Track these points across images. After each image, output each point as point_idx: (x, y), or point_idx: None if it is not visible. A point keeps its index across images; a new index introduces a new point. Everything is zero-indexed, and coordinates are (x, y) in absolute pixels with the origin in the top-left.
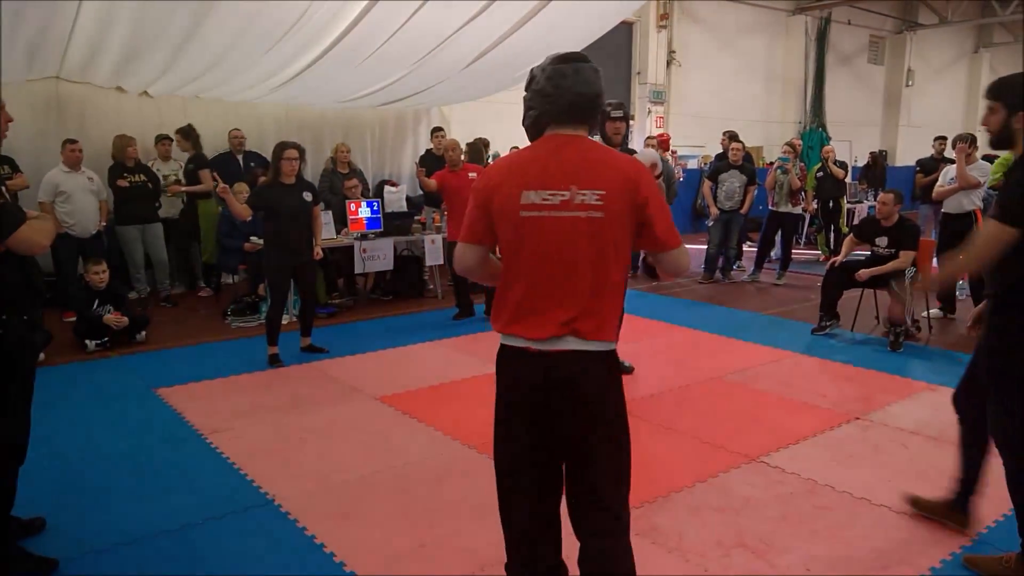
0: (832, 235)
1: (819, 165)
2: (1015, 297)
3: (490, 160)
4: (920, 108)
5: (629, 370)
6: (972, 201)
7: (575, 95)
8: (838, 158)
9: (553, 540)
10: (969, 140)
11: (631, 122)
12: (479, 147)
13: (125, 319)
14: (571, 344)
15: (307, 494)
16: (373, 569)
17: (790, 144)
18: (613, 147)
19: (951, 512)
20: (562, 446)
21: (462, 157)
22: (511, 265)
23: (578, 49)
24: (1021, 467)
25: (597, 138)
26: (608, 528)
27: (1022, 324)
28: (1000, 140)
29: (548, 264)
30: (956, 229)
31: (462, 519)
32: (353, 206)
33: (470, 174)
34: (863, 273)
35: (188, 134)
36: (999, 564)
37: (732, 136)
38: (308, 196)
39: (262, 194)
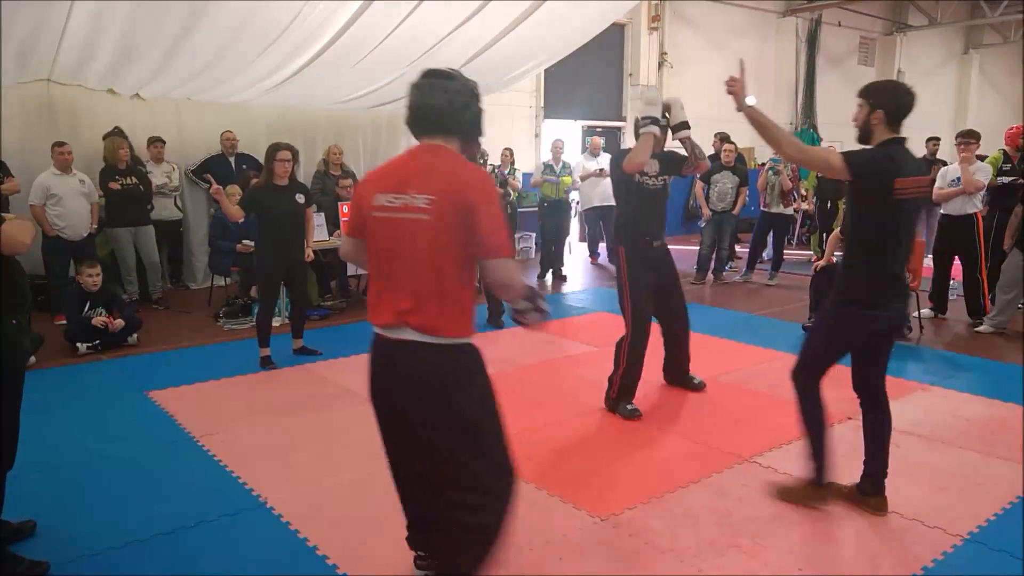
0: (825, 236)
1: None
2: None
3: (481, 163)
4: None
5: (700, 386)
6: (974, 204)
7: (424, 108)
8: None
9: (419, 498)
10: (975, 138)
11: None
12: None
13: (121, 321)
14: (408, 335)
15: (300, 497)
16: (366, 572)
17: None
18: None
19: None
20: (405, 429)
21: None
22: (371, 260)
23: (570, 51)
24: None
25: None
26: (451, 512)
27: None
28: (862, 134)
29: (391, 260)
30: (957, 232)
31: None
32: (346, 208)
33: None
34: None
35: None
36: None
37: (724, 137)
38: (301, 198)
39: (255, 196)
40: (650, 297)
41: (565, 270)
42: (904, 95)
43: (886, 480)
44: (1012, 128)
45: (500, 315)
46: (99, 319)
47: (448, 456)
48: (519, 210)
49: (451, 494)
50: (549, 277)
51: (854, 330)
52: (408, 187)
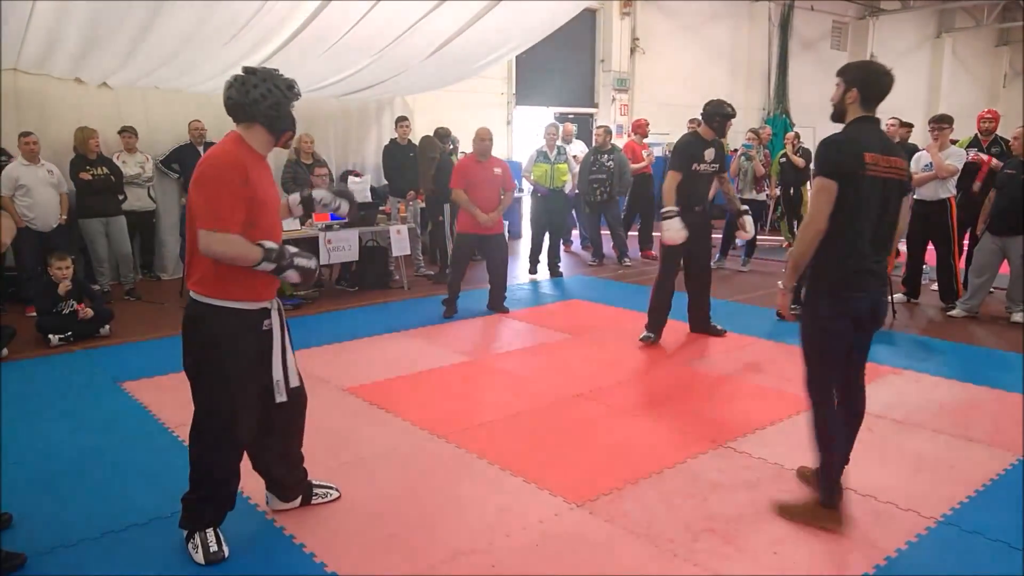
0: (795, 222)
1: (782, 152)
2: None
3: (451, 149)
4: None
5: (721, 332)
6: (947, 189)
7: (224, 99)
8: (803, 144)
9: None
10: (948, 123)
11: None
12: (443, 135)
13: (89, 311)
14: (192, 294)
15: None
16: (343, 561)
17: (754, 131)
18: (712, 133)
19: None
20: None
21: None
22: None
23: (541, 36)
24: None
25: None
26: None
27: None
28: (837, 113)
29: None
30: (930, 217)
31: (431, 509)
32: None
33: (495, 168)
34: None
35: None
36: (805, 510)
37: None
38: None
39: None
40: (679, 249)
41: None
42: (880, 75)
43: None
44: (983, 112)
45: (502, 300)
46: (77, 306)
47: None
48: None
49: None
50: (546, 272)
51: (838, 319)
52: None
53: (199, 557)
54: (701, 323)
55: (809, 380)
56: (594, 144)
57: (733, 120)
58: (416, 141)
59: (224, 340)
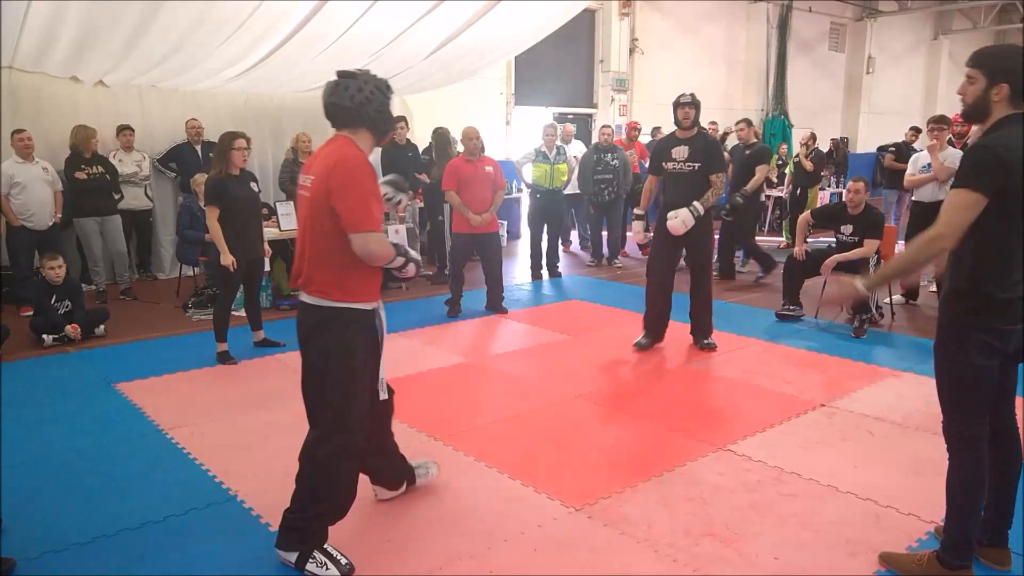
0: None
1: (796, 153)
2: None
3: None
4: (880, 95)
5: (707, 346)
6: (945, 190)
7: (327, 104)
8: (817, 147)
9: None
10: (947, 124)
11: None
12: (447, 137)
13: (79, 332)
14: (303, 297)
15: (271, 490)
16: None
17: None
18: (682, 131)
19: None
20: None
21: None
22: None
23: (540, 37)
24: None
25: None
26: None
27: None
28: (974, 111)
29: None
30: (929, 219)
31: (429, 513)
32: None
33: (486, 167)
34: (827, 265)
35: None
36: (913, 562)
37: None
38: (255, 186)
39: (222, 187)
40: (661, 253)
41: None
42: None
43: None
44: (956, 115)
45: (500, 301)
46: (70, 327)
47: (309, 396)
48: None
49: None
50: (545, 274)
51: (990, 357)
52: (309, 170)
53: (332, 573)
54: (693, 331)
55: (950, 424)
56: (597, 143)
57: (692, 109)
58: (415, 141)
59: (354, 341)
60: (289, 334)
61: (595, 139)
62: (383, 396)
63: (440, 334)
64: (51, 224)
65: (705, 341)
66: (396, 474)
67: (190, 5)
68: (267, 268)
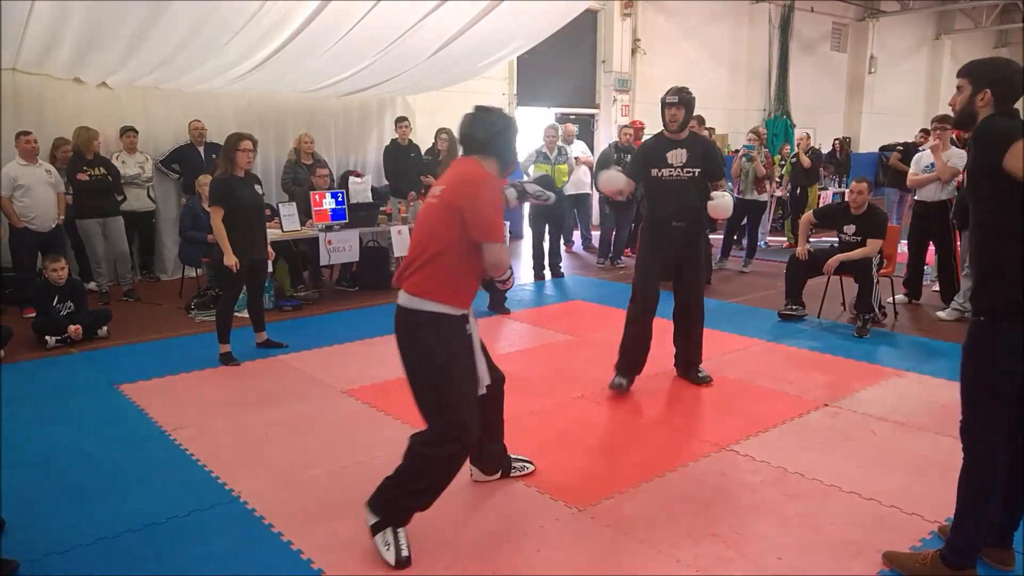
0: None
1: (794, 153)
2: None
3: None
4: (882, 95)
5: (703, 380)
6: (948, 190)
7: (464, 134)
8: (813, 145)
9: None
10: (950, 123)
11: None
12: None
13: (80, 332)
14: (403, 299)
15: (273, 490)
16: (341, 566)
17: (755, 132)
18: (671, 133)
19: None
20: None
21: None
22: None
23: (543, 37)
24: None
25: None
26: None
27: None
28: (962, 116)
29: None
30: (930, 217)
31: (431, 513)
32: (317, 197)
33: None
34: (830, 265)
35: None
36: (917, 561)
37: (699, 120)
38: (260, 188)
39: (227, 187)
40: (655, 271)
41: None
42: (1015, 74)
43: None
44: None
45: (503, 301)
46: (72, 328)
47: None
48: None
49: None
50: (548, 274)
51: (1018, 354)
52: (440, 182)
53: (390, 556)
54: (683, 364)
55: (969, 425)
56: (617, 142)
57: (682, 109)
58: (416, 141)
59: (455, 344)
60: (291, 335)
61: (603, 138)
62: (480, 392)
63: None
64: (54, 226)
65: (700, 375)
66: (497, 460)
67: (193, 7)
68: (270, 269)
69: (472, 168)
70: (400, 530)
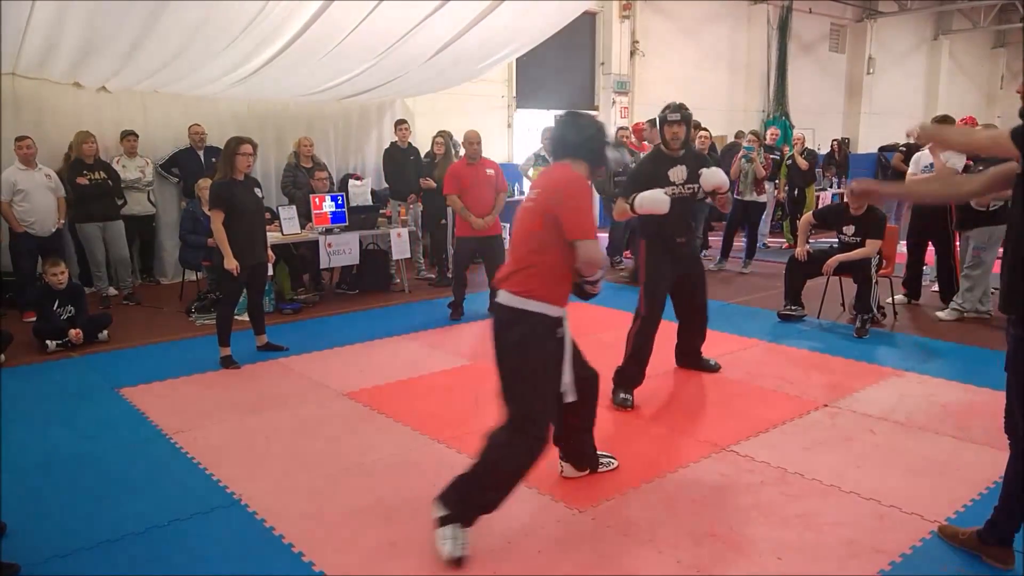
0: (797, 224)
1: (790, 154)
2: None
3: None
4: (881, 95)
5: (715, 367)
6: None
7: (557, 137)
8: (808, 146)
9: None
10: (949, 123)
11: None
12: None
13: (81, 335)
14: (502, 297)
15: (274, 493)
16: (342, 568)
17: (754, 133)
18: (671, 151)
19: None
20: None
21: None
22: None
23: (541, 39)
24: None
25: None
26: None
27: None
28: None
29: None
30: (930, 219)
31: (431, 515)
32: (317, 200)
33: (488, 170)
34: (829, 265)
35: None
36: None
37: (696, 125)
38: (259, 192)
39: (227, 191)
40: (664, 289)
41: None
42: None
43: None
44: (962, 120)
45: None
46: (73, 332)
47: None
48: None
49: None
50: None
51: None
52: (535, 186)
53: (448, 550)
54: (690, 353)
55: (1015, 422)
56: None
57: (683, 127)
58: (416, 144)
59: (548, 343)
60: (291, 338)
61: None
62: (570, 399)
63: (443, 337)
64: (54, 230)
65: (711, 362)
66: (589, 457)
67: (192, 10)
68: (270, 272)
69: (563, 172)
70: (464, 530)
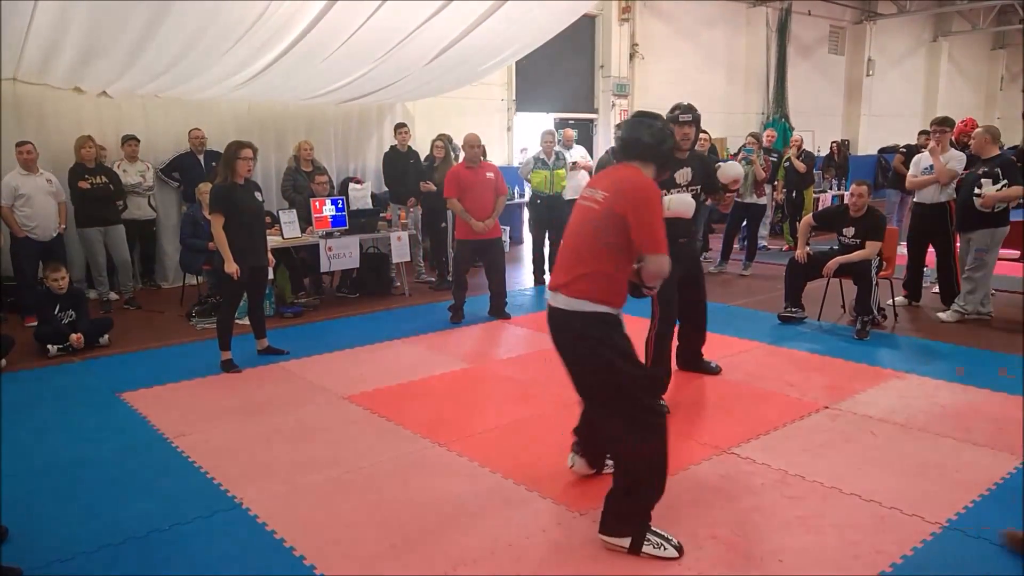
0: (796, 225)
1: (787, 156)
2: None
3: (454, 155)
4: (880, 97)
5: (716, 370)
6: (947, 192)
7: (629, 137)
8: (806, 148)
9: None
10: (950, 126)
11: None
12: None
13: (82, 340)
14: (559, 301)
15: (275, 497)
16: (343, 571)
17: (754, 135)
18: (680, 152)
19: None
20: None
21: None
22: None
23: (541, 42)
24: None
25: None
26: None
27: None
28: None
29: (566, 237)
30: (930, 220)
31: (433, 518)
32: (317, 204)
33: (488, 173)
34: (830, 267)
35: None
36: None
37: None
38: (260, 196)
39: (227, 195)
40: (674, 290)
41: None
42: None
43: None
44: (962, 121)
45: (503, 306)
46: (74, 337)
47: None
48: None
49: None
50: (548, 279)
51: None
52: (598, 185)
53: (670, 552)
54: (694, 360)
55: None
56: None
57: (693, 128)
58: (416, 148)
59: (616, 335)
60: (292, 342)
61: (603, 144)
62: None
63: (443, 340)
64: (55, 235)
65: (712, 365)
66: (602, 457)
67: (193, 15)
68: (271, 276)
69: (635, 175)
70: (654, 530)
